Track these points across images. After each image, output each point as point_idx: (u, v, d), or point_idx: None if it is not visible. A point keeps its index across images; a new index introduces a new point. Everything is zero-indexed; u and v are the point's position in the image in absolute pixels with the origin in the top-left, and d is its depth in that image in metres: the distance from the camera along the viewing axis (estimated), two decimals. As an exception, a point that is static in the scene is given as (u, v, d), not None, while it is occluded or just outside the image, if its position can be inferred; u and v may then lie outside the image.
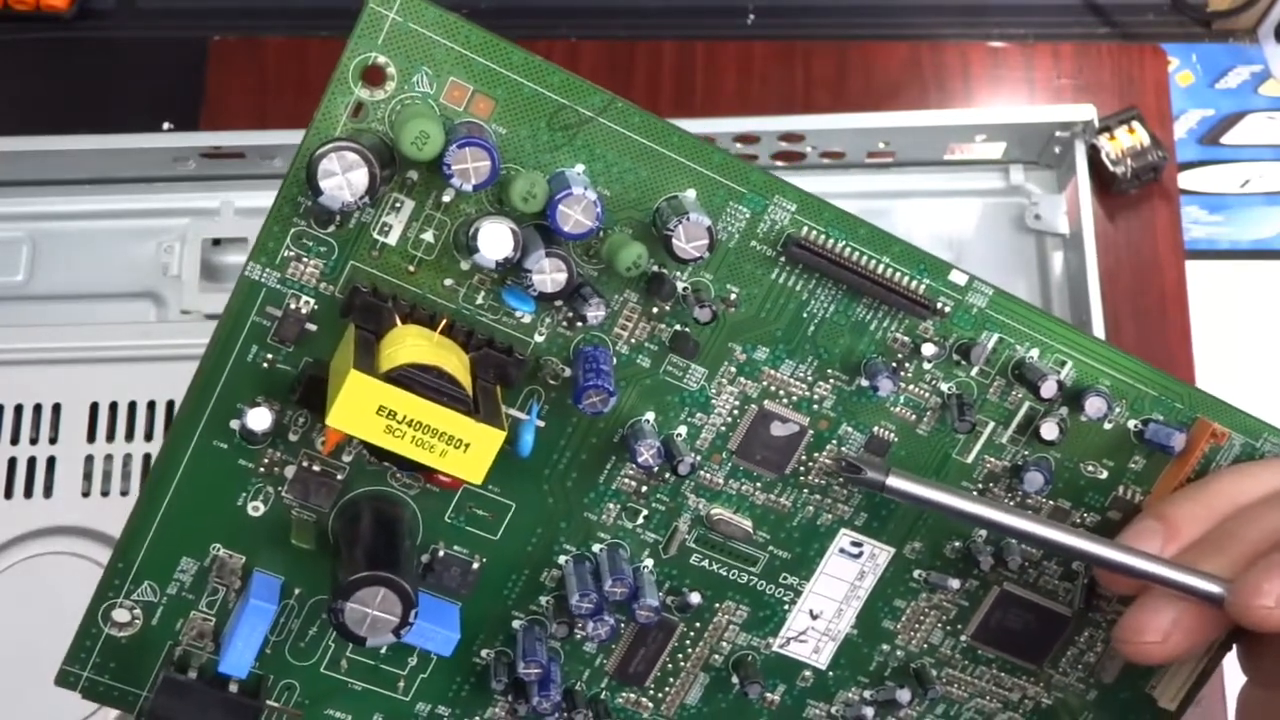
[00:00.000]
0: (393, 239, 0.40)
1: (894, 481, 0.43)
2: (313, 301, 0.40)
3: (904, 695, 0.48)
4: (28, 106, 0.79)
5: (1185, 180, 0.79)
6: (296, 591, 0.44)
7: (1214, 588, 0.41)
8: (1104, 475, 0.47)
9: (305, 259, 0.40)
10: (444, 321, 0.41)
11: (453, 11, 0.38)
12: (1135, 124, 0.75)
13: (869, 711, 0.48)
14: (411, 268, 0.41)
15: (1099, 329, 0.70)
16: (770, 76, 0.79)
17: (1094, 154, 0.74)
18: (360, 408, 0.37)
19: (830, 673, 0.48)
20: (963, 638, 0.49)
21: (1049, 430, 0.45)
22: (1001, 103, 0.77)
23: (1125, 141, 0.74)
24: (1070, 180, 0.74)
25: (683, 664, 0.47)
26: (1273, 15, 0.80)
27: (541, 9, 0.82)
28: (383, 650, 0.45)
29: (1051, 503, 0.47)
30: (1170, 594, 0.43)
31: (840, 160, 0.76)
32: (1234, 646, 0.47)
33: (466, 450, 0.38)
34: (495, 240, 0.38)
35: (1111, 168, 0.74)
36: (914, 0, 0.80)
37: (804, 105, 0.78)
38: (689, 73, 0.79)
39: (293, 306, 0.40)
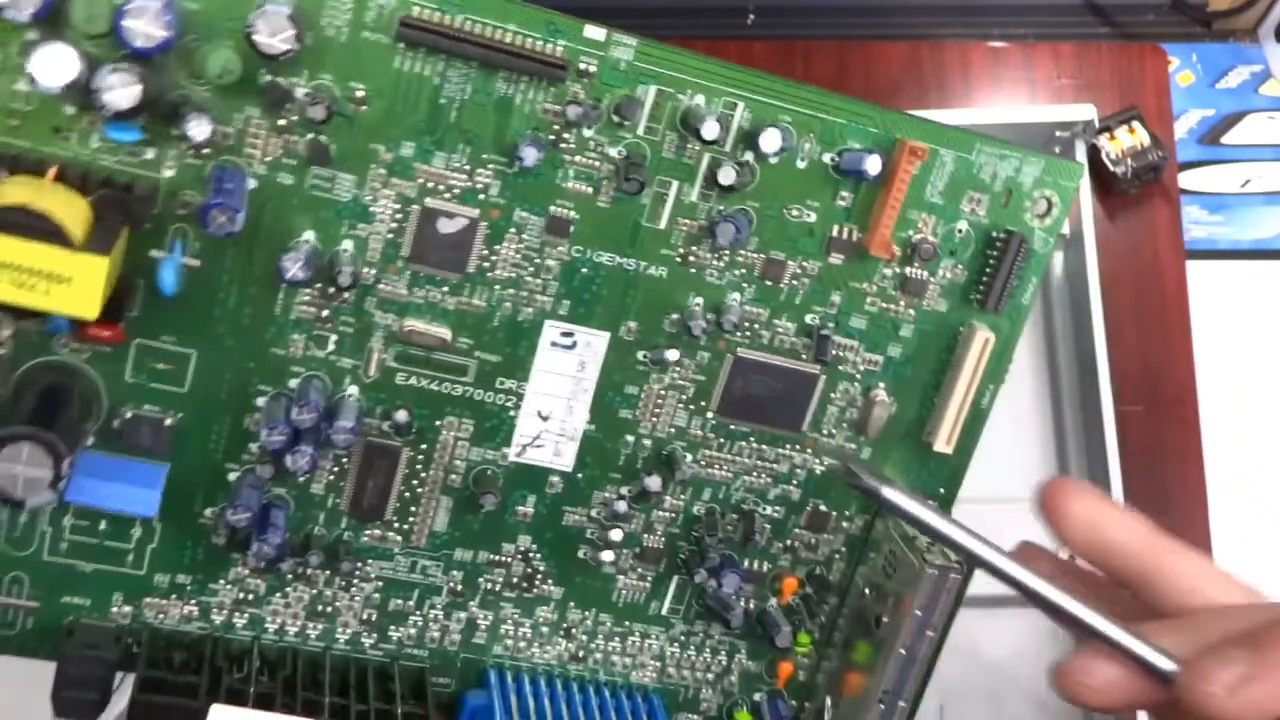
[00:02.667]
0: (-22, 93, 0.39)
1: (889, 493, 0.41)
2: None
3: (653, 482, 0.47)
4: None
5: (1185, 180, 0.78)
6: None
7: (1168, 664, 0.40)
8: (813, 218, 0.45)
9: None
10: (53, 169, 0.39)
11: None
12: (1135, 124, 0.73)
13: (621, 506, 0.47)
14: (15, 122, 0.39)
15: (1099, 329, 0.68)
16: (770, 76, 0.78)
17: (1094, 154, 0.72)
18: (-57, 260, 0.35)
19: (579, 474, 0.47)
20: (709, 415, 0.47)
21: (725, 175, 0.43)
22: (1001, 103, 0.76)
23: (1125, 141, 0.73)
24: (1070, 180, 0.72)
25: (419, 490, 0.46)
26: (1273, 15, 0.79)
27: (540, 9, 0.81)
28: (101, 526, 0.44)
29: (764, 255, 0.45)
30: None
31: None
32: None
33: (71, 285, 0.37)
34: (50, 65, 0.36)
35: (1112, 168, 0.72)
36: (914, 0, 0.78)
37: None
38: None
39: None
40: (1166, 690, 0.41)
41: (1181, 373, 0.74)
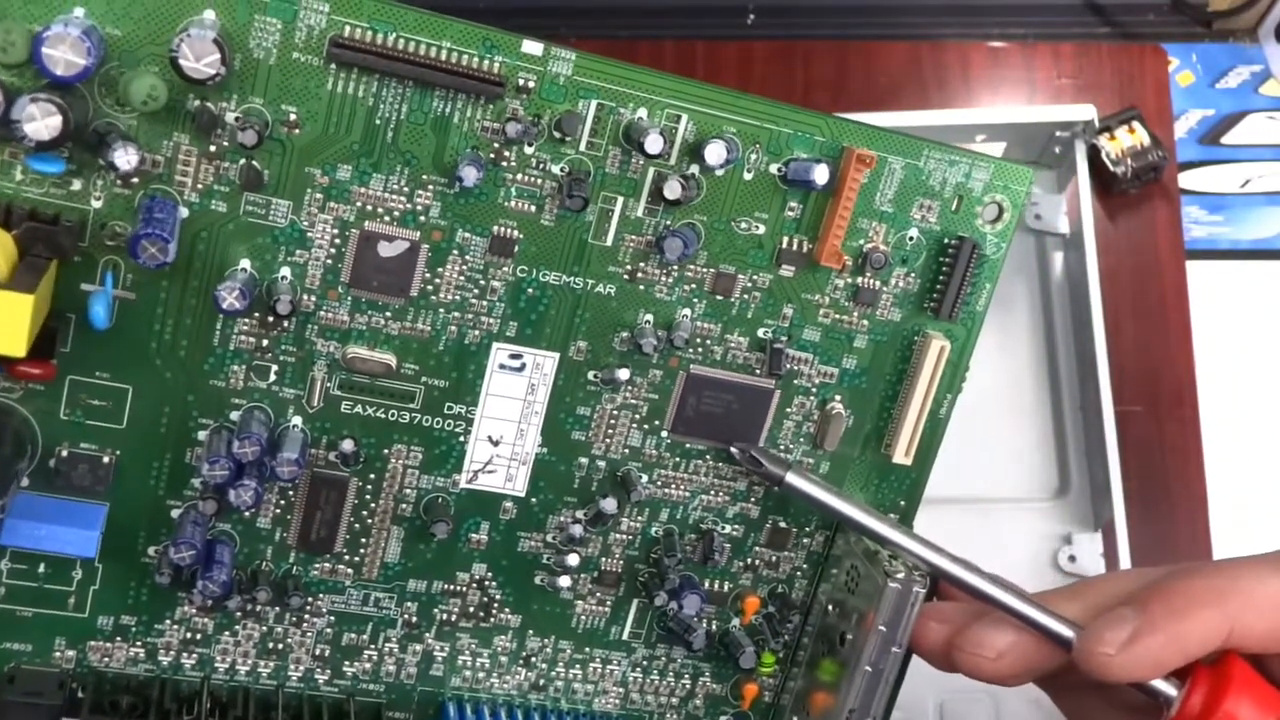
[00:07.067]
0: (-108, 126, 0.38)
1: (792, 478, 0.45)
2: None
3: (609, 504, 0.46)
4: None
5: (1185, 180, 0.78)
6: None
7: (1066, 630, 0.42)
8: (762, 230, 0.44)
9: None
10: (-24, 204, 0.38)
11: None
12: (1135, 124, 0.73)
13: (577, 530, 0.46)
14: (-65, 157, 0.38)
15: (1099, 329, 0.68)
16: (770, 76, 0.76)
17: (1094, 154, 0.73)
18: None
19: (532, 499, 0.46)
20: (664, 434, 0.46)
21: (671, 189, 0.42)
22: (1001, 103, 0.75)
23: (1125, 141, 0.73)
24: (1070, 180, 0.72)
25: (369, 521, 0.45)
26: (1273, 15, 0.79)
27: (542, 9, 0.79)
28: (40, 569, 0.43)
29: (713, 269, 0.44)
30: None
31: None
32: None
33: (-6, 323, 0.36)
34: (-35, 95, 0.35)
35: (1112, 168, 0.73)
36: (914, 0, 0.78)
37: (804, 105, 0.76)
38: (689, 73, 0.75)
39: None
40: (1063, 655, 0.42)
41: (1181, 372, 0.74)
